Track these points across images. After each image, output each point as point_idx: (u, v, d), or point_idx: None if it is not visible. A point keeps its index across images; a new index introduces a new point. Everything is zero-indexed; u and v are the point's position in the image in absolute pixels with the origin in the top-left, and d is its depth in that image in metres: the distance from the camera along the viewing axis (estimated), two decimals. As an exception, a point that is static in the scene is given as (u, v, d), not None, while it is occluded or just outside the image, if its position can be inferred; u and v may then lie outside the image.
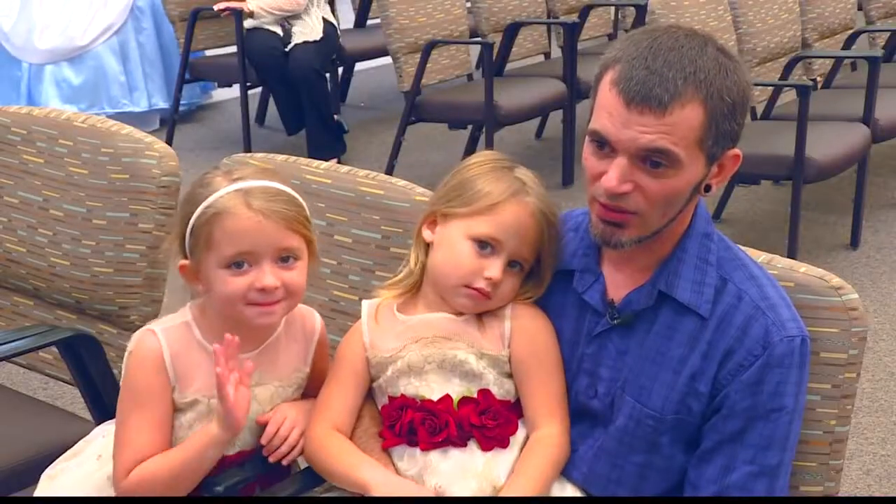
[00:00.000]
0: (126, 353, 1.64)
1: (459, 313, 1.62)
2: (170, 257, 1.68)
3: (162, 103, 6.08)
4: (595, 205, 1.51)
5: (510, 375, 1.61)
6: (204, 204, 1.57)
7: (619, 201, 1.47)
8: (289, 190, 1.61)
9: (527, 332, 1.61)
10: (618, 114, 1.43)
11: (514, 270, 1.60)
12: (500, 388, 1.60)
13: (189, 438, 1.60)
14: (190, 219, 1.58)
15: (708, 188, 1.51)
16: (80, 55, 5.83)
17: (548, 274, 1.63)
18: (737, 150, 1.51)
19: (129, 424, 1.61)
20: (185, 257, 1.61)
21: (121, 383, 1.65)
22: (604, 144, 1.47)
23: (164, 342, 1.61)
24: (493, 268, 1.57)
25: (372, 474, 1.56)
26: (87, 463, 1.72)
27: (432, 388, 1.59)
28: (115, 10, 5.90)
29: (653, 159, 1.44)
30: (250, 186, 1.58)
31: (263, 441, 1.64)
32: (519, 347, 1.60)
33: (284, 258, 1.58)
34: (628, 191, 1.46)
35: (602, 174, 1.47)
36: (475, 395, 1.58)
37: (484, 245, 1.58)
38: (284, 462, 1.66)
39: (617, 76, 1.44)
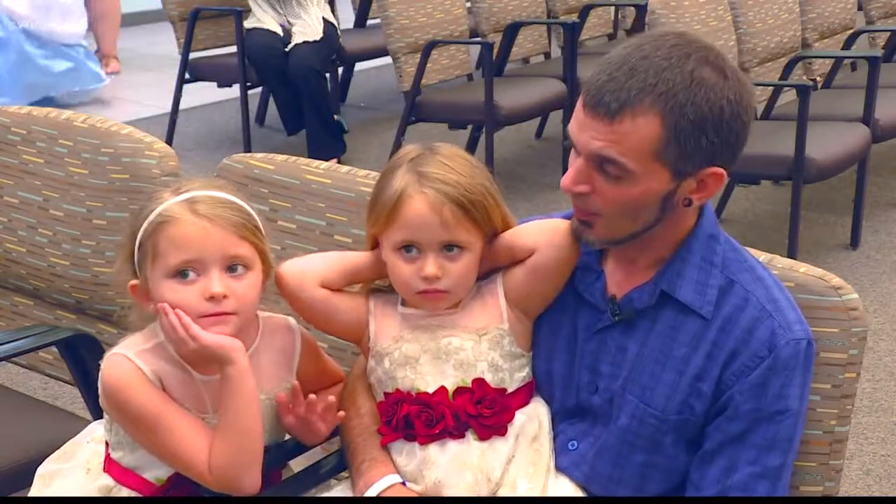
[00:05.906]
0: (102, 384, 1.56)
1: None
2: (121, 279, 1.60)
3: None
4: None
5: (511, 356, 1.60)
6: (151, 215, 1.54)
7: (578, 201, 1.50)
8: (237, 200, 1.58)
9: (513, 274, 1.62)
10: (578, 116, 1.47)
11: (454, 254, 1.56)
12: (494, 376, 1.59)
13: (220, 400, 1.54)
14: (138, 234, 1.55)
15: (689, 202, 1.49)
16: None
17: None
18: (717, 169, 1.46)
19: (171, 443, 1.53)
20: (136, 276, 1.57)
21: (120, 418, 1.57)
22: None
23: (142, 366, 1.55)
24: (425, 267, 1.55)
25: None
26: (76, 474, 1.67)
27: (427, 380, 1.59)
28: None
29: (603, 166, 1.45)
30: (197, 195, 1.55)
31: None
32: (511, 283, 1.61)
33: (233, 267, 1.53)
34: (584, 192, 1.48)
35: None
36: (470, 385, 1.58)
37: (408, 249, 1.56)
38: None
39: (587, 79, 1.46)
